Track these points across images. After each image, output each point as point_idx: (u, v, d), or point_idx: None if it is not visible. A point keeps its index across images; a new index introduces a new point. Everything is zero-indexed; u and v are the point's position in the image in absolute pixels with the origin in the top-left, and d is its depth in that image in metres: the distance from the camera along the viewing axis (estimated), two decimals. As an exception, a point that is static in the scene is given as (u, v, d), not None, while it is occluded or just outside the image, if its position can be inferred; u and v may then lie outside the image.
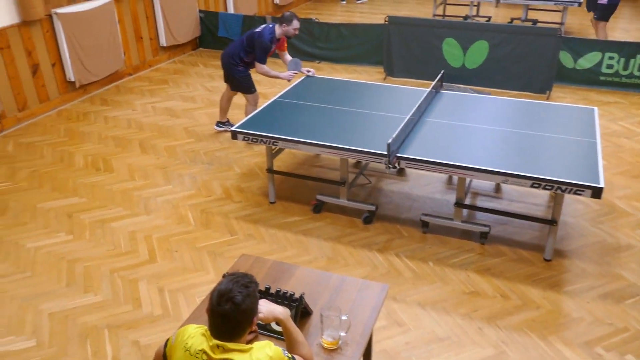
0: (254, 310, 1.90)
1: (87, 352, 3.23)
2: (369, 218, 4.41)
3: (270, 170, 4.60)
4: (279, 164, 5.23)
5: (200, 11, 8.68)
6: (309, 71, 5.53)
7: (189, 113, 6.56)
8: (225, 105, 5.95)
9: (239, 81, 5.60)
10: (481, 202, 4.67)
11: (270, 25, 5.37)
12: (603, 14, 7.93)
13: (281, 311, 2.08)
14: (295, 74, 5.51)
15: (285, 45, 5.63)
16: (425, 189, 4.88)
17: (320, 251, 4.10)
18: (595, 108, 4.63)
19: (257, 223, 4.44)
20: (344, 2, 12.19)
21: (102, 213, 4.61)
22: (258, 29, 5.34)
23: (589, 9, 8.20)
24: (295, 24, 5.29)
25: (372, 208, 4.42)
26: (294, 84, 5.33)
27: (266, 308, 2.05)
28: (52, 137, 5.99)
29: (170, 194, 4.89)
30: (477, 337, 3.31)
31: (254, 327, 1.95)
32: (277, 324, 2.25)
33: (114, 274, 3.89)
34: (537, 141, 4.07)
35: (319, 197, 4.56)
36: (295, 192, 4.86)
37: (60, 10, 6.37)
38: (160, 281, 3.81)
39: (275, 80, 7.50)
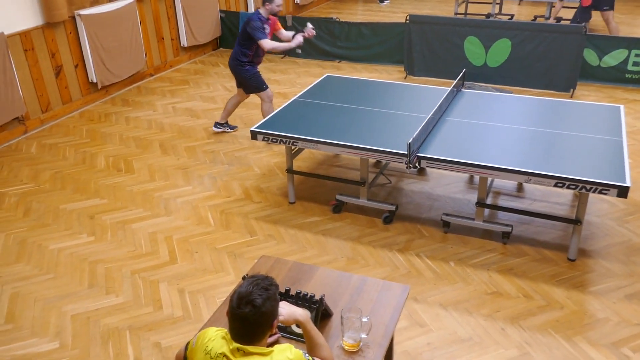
0: (274, 313, 1.89)
1: (109, 354, 3.26)
2: (389, 218, 4.38)
3: (289, 171, 4.59)
4: (298, 163, 5.22)
5: (221, 11, 8.72)
6: (309, 33, 5.54)
7: (209, 113, 6.60)
8: (230, 108, 5.96)
9: (248, 80, 5.62)
10: (503, 202, 4.60)
11: (255, 11, 5.47)
12: (613, 2, 8.06)
13: (301, 313, 2.07)
14: (303, 36, 5.48)
15: (279, 24, 5.65)
16: (446, 188, 4.83)
17: (340, 251, 4.08)
18: (621, 106, 4.53)
19: (277, 223, 4.44)
20: (384, 3, 11.91)
21: (123, 214, 4.66)
22: (246, 20, 5.44)
23: (597, 8, 8.13)
24: (277, 0, 5.35)
25: (393, 208, 4.39)
26: (313, 84, 5.31)
27: (286, 310, 2.04)
28: (75, 139, 6.07)
29: (190, 194, 4.91)
30: (500, 337, 3.25)
31: (275, 330, 1.94)
32: (298, 326, 2.24)
33: (135, 275, 3.92)
34: (561, 140, 3.99)
35: (339, 197, 4.54)
36: (314, 193, 4.85)
37: (83, 12, 6.45)
38: (181, 282, 3.83)
39: (295, 80, 7.52)
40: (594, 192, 3.44)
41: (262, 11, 5.40)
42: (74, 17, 6.45)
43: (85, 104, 6.86)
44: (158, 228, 4.45)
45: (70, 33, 6.47)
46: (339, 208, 4.55)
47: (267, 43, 5.31)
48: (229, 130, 6.07)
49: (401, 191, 4.83)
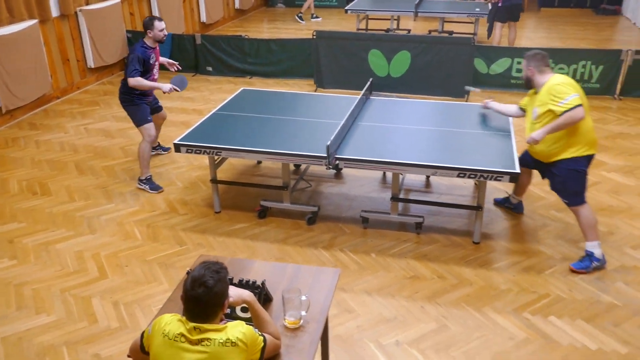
0: (225, 293, 2.09)
1: (47, 368, 3.25)
2: (312, 219, 4.66)
3: (214, 181, 4.75)
4: (219, 175, 5.37)
5: (128, 31, 8.68)
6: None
7: (124, 132, 6.58)
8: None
9: (128, 113, 5.31)
10: (414, 197, 5.04)
11: (139, 41, 5.20)
12: (501, 15, 8.74)
13: (248, 294, 2.28)
14: (177, 90, 5.22)
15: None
16: (362, 189, 5.20)
17: (269, 253, 4.29)
18: (508, 105, 5.13)
19: (205, 233, 4.58)
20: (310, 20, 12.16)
21: (45, 236, 4.58)
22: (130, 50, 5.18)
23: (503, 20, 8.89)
24: (158, 25, 5.05)
25: (315, 209, 4.68)
26: (230, 97, 5.50)
27: (235, 292, 2.24)
28: (-18, 165, 5.84)
29: (114, 212, 4.92)
30: (420, 315, 3.62)
31: (225, 310, 2.13)
32: (243, 310, 2.44)
33: (64, 293, 3.90)
34: (459, 137, 4.48)
35: (263, 202, 4.76)
36: (238, 201, 5.03)
37: (-17, 36, 6.25)
38: (114, 295, 3.87)
39: (208, 97, 7.67)
40: (490, 179, 3.92)
41: (146, 40, 5.11)
42: (-27, 40, 6.23)
43: (-10, 129, 6.60)
44: (84, 246, 4.43)
45: (-30, 56, 6.23)
46: (263, 213, 4.77)
47: (134, 81, 4.99)
48: (163, 152, 6.02)
49: (321, 194, 5.13)
